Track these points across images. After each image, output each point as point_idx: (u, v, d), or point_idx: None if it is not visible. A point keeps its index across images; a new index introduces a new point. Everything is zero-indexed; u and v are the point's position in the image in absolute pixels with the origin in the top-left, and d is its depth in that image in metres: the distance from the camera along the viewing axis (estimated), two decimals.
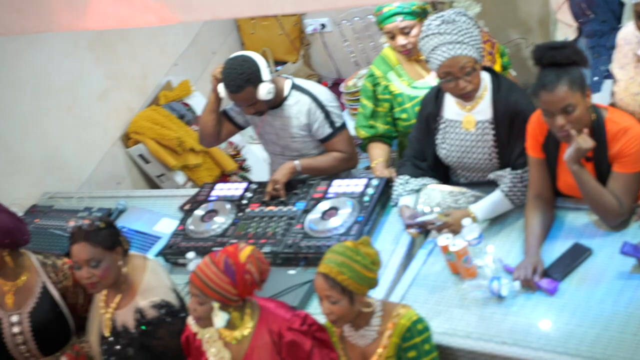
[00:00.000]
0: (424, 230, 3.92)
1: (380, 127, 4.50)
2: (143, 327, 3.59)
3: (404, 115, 4.42)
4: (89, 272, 3.56)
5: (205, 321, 3.29)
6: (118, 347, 3.66)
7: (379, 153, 4.51)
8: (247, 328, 3.32)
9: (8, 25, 2.92)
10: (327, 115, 4.40)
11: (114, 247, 3.60)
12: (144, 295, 3.62)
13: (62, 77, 5.63)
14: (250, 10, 2.57)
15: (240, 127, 4.71)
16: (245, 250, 3.27)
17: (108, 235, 3.58)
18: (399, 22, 4.27)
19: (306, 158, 4.47)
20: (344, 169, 4.55)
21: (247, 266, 3.23)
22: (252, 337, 3.32)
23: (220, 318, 3.25)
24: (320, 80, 6.77)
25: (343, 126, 4.46)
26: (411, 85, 4.39)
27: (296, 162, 4.42)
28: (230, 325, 3.32)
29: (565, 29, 5.09)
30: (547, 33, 5.69)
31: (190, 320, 3.46)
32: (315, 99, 4.40)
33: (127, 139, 5.96)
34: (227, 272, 3.22)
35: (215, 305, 3.24)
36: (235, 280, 3.21)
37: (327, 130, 4.41)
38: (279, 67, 6.71)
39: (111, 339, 3.69)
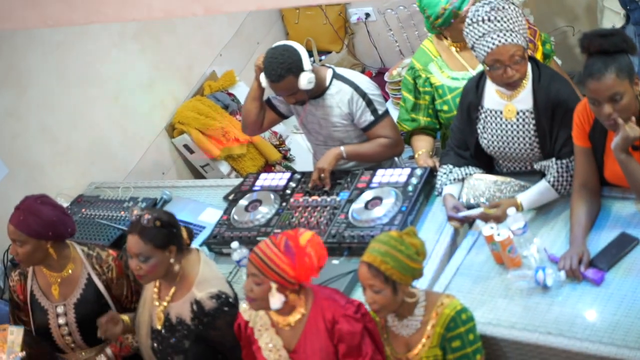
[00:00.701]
0: (467, 221, 3.90)
1: (422, 119, 4.48)
2: (205, 319, 3.59)
3: (445, 107, 4.40)
4: (138, 264, 3.58)
5: (261, 302, 3.28)
6: (173, 340, 3.67)
7: (422, 144, 4.49)
8: (300, 313, 3.33)
9: (56, 16, 2.95)
10: (369, 103, 4.39)
11: (167, 247, 3.58)
12: (200, 287, 3.62)
13: (109, 68, 5.69)
14: (295, 0, 2.57)
15: (283, 116, 4.71)
16: (306, 235, 3.28)
17: (162, 235, 3.56)
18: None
19: (351, 145, 4.47)
20: (390, 156, 4.53)
21: (307, 249, 3.24)
22: (306, 322, 3.32)
23: (277, 299, 3.25)
24: (364, 70, 6.76)
25: (386, 113, 4.44)
26: (452, 77, 4.36)
27: (342, 148, 4.42)
28: (285, 310, 3.33)
29: (613, 17, 5.04)
30: (594, 21, 5.62)
31: (242, 309, 3.48)
32: (356, 87, 4.39)
33: (172, 129, 6.00)
34: (287, 253, 3.22)
35: (274, 285, 3.24)
36: (295, 262, 3.22)
37: (370, 117, 4.40)
38: (322, 57, 6.71)
39: (164, 332, 3.70)
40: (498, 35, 3.66)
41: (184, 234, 3.66)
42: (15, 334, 3.89)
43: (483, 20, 3.69)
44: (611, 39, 3.37)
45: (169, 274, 3.65)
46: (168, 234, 3.59)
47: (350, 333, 3.26)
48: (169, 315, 3.69)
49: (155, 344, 3.74)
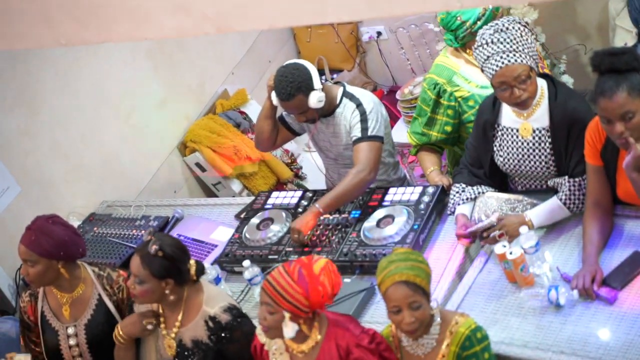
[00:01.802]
0: (475, 238, 3.89)
1: (434, 135, 4.47)
2: (222, 333, 3.59)
3: None
4: (133, 283, 3.60)
5: (274, 331, 3.26)
6: None
7: (431, 161, 4.48)
8: (314, 341, 3.30)
9: (68, 36, 2.97)
10: (363, 120, 4.32)
11: (163, 278, 3.57)
12: (211, 304, 3.62)
13: (121, 86, 5.71)
14: (307, 19, 2.57)
15: (296, 133, 4.72)
16: (320, 262, 3.24)
17: (161, 266, 3.55)
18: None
19: (324, 196, 4.30)
20: (364, 184, 4.28)
21: (320, 278, 3.20)
22: (320, 350, 3.29)
23: (290, 328, 3.21)
24: (375, 88, 6.77)
25: (375, 138, 4.31)
26: (480, 86, 4.33)
27: (317, 204, 4.26)
28: (298, 338, 3.30)
29: (624, 35, 5.03)
30: (606, 39, 5.62)
31: (259, 331, 3.46)
32: (359, 104, 4.37)
33: (184, 148, 6.01)
34: (301, 282, 3.19)
35: (287, 315, 3.22)
36: (308, 292, 3.18)
37: (357, 134, 4.32)
38: (334, 75, 6.73)
39: (180, 359, 3.69)
40: (501, 57, 3.67)
41: (192, 269, 3.63)
42: None
43: (487, 43, 3.70)
44: (622, 58, 3.36)
45: (168, 302, 3.64)
46: (167, 267, 3.57)
47: None
48: (182, 342, 3.67)
49: None
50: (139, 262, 3.56)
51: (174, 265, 3.58)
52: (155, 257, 3.54)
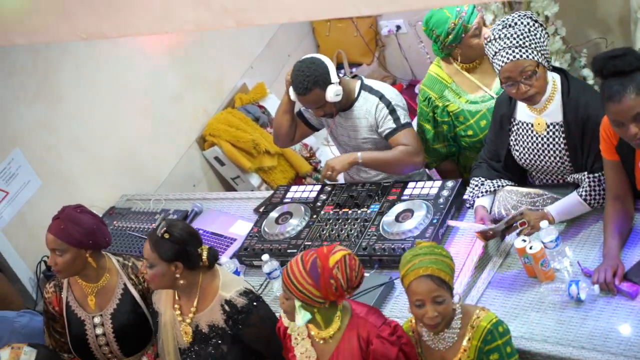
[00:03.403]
0: (489, 237, 3.87)
1: (443, 149, 4.50)
2: (239, 317, 3.61)
3: (469, 132, 4.37)
4: (144, 268, 3.69)
5: (290, 315, 3.31)
6: (210, 348, 3.67)
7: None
8: (334, 329, 3.32)
9: (88, 30, 2.98)
10: (392, 111, 4.36)
11: (172, 261, 3.59)
12: (227, 289, 3.64)
13: (140, 80, 5.72)
14: (326, 13, 2.57)
15: (314, 129, 4.72)
16: (337, 255, 3.23)
17: (168, 249, 3.58)
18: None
19: (369, 151, 4.44)
20: (409, 165, 4.40)
21: (333, 271, 3.20)
22: (340, 339, 3.31)
23: (301, 317, 3.24)
24: (395, 82, 6.76)
25: (408, 124, 4.40)
26: (470, 101, 4.34)
27: (359, 154, 4.39)
28: (319, 325, 3.32)
29: None
30: (627, 32, 5.57)
31: (282, 313, 3.47)
32: (381, 96, 4.38)
33: (203, 142, 6.02)
34: (312, 274, 3.20)
35: (297, 303, 3.24)
36: (319, 284, 3.19)
37: (392, 125, 4.36)
38: (353, 69, 6.72)
39: (196, 346, 3.71)
40: (507, 52, 3.65)
41: (204, 254, 3.65)
42: (28, 355, 3.88)
43: (495, 39, 3.70)
44: (625, 59, 3.28)
45: (180, 288, 3.67)
46: (176, 250, 3.59)
47: (384, 356, 3.23)
48: (198, 327, 3.70)
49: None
50: (149, 246, 3.61)
51: (182, 248, 3.59)
52: (163, 240, 3.57)
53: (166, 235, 3.57)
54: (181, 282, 3.64)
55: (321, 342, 3.35)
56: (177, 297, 3.75)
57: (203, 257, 3.64)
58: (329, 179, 4.40)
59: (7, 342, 4.12)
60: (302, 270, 3.21)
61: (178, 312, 3.74)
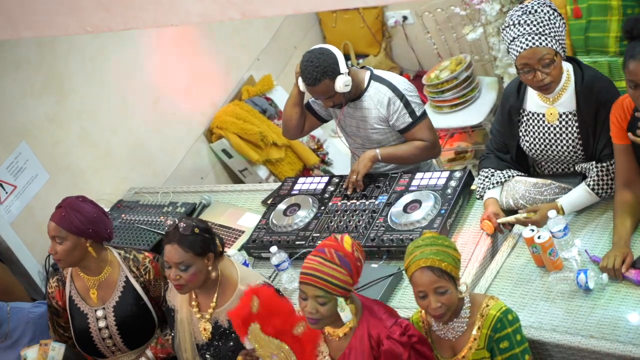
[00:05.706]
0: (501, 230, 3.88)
1: None
2: None
3: None
4: (177, 273, 3.58)
5: (327, 320, 3.26)
6: (230, 343, 3.68)
7: None
8: (348, 326, 3.31)
9: (95, 23, 2.98)
10: (406, 104, 4.37)
11: (205, 254, 3.60)
12: (246, 282, 3.65)
13: (147, 73, 5.73)
14: (332, 4, 2.57)
15: (323, 120, 4.71)
16: (347, 240, 3.27)
17: (201, 242, 3.58)
18: None
19: (387, 147, 4.46)
20: (427, 158, 4.51)
21: (355, 254, 3.25)
22: (352, 337, 3.31)
23: (347, 311, 3.24)
24: (401, 73, 6.75)
25: (423, 115, 4.42)
26: None
27: (377, 150, 4.41)
28: (337, 323, 3.32)
29: None
30: None
31: (314, 325, 3.40)
32: (394, 88, 4.38)
33: (211, 134, 6.03)
34: (344, 265, 3.21)
35: (341, 300, 3.22)
36: (352, 272, 3.22)
37: (408, 119, 4.38)
38: (360, 60, 6.71)
39: (215, 341, 3.72)
40: (526, 39, 3.63)
41: (217, 241, 3.68)
42: (57, 350, 3.91)
43: (514, 24, 3.67)
44: None
45: (208, 282, 3.67)
46: (206, 241, 3.60)
47: (395, 357, 3.22)
48: (218, 322, 3.70)
49: (208, 356, 3.75)
50: (178, 248, 3.56)
51: (208, 237, 3.62)
52: (192, 235, 3.56)
53: (196, 230, 3.57)
54: (213, 274, 3.65)
55: (335, 339, 3.34)
56: (194, 295, 3.75)
57: (219, 245, 3.67)
58: (355, 183, 4.39)
59: (22, 332, 4.16)
60: (334, 267, 3.21)
61: (196, 309, 3.75)
